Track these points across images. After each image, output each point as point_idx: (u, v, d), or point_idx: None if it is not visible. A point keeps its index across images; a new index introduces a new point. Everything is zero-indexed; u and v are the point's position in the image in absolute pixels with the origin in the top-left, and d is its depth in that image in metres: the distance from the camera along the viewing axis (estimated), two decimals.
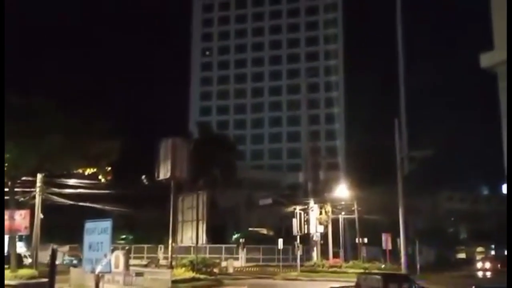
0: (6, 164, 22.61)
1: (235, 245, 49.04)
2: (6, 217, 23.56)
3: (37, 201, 27.27)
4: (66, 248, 44.95)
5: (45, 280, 16.92)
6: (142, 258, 45.10)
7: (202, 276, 23.86)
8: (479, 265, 51.22)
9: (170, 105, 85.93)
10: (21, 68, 65.48)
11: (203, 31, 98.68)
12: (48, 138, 22.34)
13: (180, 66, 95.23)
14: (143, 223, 48.46)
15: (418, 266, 36.91)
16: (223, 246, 48.63)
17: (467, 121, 74.32)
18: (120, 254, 14.09)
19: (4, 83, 21.17)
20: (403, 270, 27.91)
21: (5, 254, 24.86)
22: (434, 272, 36.97)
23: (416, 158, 27.84)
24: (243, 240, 48.01)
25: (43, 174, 26.84)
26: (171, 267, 24.08)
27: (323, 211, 40.55)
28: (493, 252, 68.02)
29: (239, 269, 39.99)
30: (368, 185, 47.33)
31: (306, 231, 38.35)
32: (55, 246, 18.75)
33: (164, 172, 25.37)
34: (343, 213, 44.01)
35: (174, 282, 21.21)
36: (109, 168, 25.46)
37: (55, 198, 29.20)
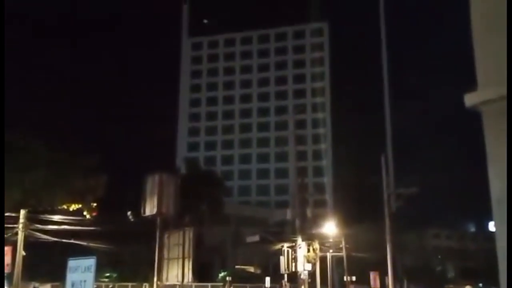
0: None
1: (221, 284, 48.20)
2: None
3: (20, 237, 26.69)
4: (48, 286, 43.78)
5: None
6: None
7: None
8: None
9: (158, 141, 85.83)
10: (5, 103, 65.06)
11: (192, 68, 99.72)
12: (32, 174, 22.12)
13: (169, 102, 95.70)
14: (128, 260, 47.53)
15: None
16: (209, 284, 47.79)
17: (453, 159, 75.07)
18: None
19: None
20: None
21: None
22: None
23: (403, 195, 27.88)
24: (230, 278, 47.23)
25: (27, 210, 26.39)
26: None
27: (311, 248, 40.17)
28: None
29: None
30: (356, 222, 47.22)
31: (293, 269, 37.85)
32: (36, 285, 18.29)
33: (150, 208, 25.03)
34: (331, 250, 43.67)
35: None
36: (95, 204, 25.16)
37: (38, 234, 28.63)
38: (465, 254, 69.20)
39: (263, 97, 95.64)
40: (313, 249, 40.65)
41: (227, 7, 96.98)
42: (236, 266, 52.92)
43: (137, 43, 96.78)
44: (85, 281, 11.41)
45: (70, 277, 11.68)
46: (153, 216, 25.05)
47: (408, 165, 75.80)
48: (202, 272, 39.86)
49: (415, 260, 63.13)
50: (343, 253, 41.58)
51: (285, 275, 36.63)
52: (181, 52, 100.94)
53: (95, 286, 11.80)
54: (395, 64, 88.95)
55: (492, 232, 6.08)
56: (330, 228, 41.03)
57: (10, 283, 29.38)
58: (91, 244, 31.93)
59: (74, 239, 30.35)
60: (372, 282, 38.41)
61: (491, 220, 6.06)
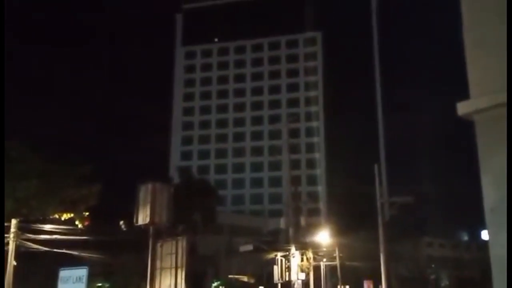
0: None
1: None
2: None
3: (11, 247, 26.41)
4: None
5: None
6: None
7: None
8: None
9: (151, 150, 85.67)
10: None
11: (185, 77, 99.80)
12: (24, 183, 21.95)
13: (162, 110, 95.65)
14: (120, 270, 47.16)
15: None
16: None
17: (447, 168, 75.33)
18: None
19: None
20: None
21: None
22: None
23: (396, 203, 27.92)
24: None
25: (18, 220, 26.15)
26: None
27: (304, 257, 40.05)
28: None
29: None
30: (349, 230, 47.17)
31: (287, 279, 37.69)
32: None
33: (143, 218, 24.87)
34: (324, 259, 43.58)
35: None
36: (87, 214, 24.97)
37: (30, 244, 28.34)
38: (459, 263, 69.22)
39: (257, 106, 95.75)
40: (307, 258, 40.53)
41: (221, 16, 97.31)
42: (230, 276, 52.64)
43: (130, 52, 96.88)
44: None
45: (62, 287, 11.58)
46: (145, 225, 24.91)
47: (401, 174, 76.04)
48: (195, 282, 39.55)
49: (409, 269, 63.07)
50: (337, 262, 41.49)
51: (279, 285, 36.44)
52: (175, 61, 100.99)
53: None
54: (388, 74, 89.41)
55: (485, 241, 6.07)
56: (323, 237, 40.96)
57: None
58: (83, 254, 31.69)
59: (65, 249, 30.10)
60: None
61: (484, 229, 6.05)
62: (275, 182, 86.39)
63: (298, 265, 38.87)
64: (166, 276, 26.16)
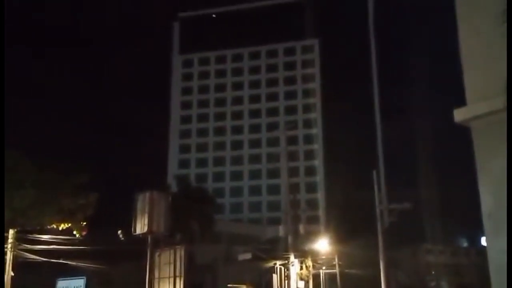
0: None
1: None
2: None
3: (8, 257, 26.25)
4: None
5: None
6: None
7: None
8: None
9: (149, 158, 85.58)
10: None
11: (183, 85, 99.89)
12: (21, 193, 21.85)
13: (159, 119, 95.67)
14: (118, 280, 46.88)
15: None
16: None
17: (446, 173, 75.33)
18: None
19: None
20: None
21: None
22: None
23: (395, 210, 27.85)
24: None
25: (15, 230, 26.00)
26: None
27: (303, 265, 39.88)
28: None
29: None
30: (349, 238, 47.02)
31: (286, 287, 37.49)
32: None
33: (140, 227, 24.77)
34: (324, 267, 43.41)
35: None
36: (84, 223, 24.84)
37: (27, 254, 28.17)
38: (459, 270, 69.08)
39: (255, 113, 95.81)
40: (306, 267, 40.37)
41: (218, 24, 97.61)
42: (228, 285, 52.30)
43: (127, 60, 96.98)
44: None
45: None
46: (143, 234, 24.80)
47: (400, 180, 75.93)
48: None
49: (409, 276, 62.87)
50: (337, 270, 41.33)
51: None
52: (172, 69, 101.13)
53: None
54: (386, 80, 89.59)
55: (485, 247, 6.03)
56: (323, 244, 40.82)
57: None
58: (80, 264, 31.50)
59: (63, 259, 29.92)
60: None
61: (484, 234, 6.01)
62: (274, 189, 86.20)
63: (297, 274, 38.70)
64: (165, 285, 26.01)
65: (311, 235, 47.96)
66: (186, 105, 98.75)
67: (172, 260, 25.45)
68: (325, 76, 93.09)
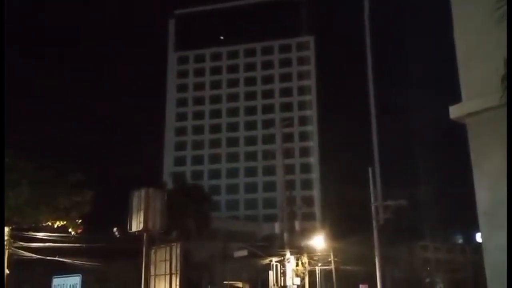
0: None
1: None
2: None
3: (4, 255, 26.15)
4: None
5: None
6: None
7: None
8: None
9: (144, 156, 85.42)
10: None
11: (178, 82, 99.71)
12: (16, 190, 21.76)
13: (155, 116, 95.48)
14: (114, 277, 46.86)
15: None
16: None
17: (441, 170, 75.57)
18: None
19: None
20: None
21: None
22: None
23: (390, 207, 27.93)
24: None
25: (11, 227, 25.91)
26: None
27: (299, 262, 39.98)
28: None
29: None
30: (344, 234, 47.11)
31: (282, 284, 37.57)
32: None
33: (136, 224, 24.69)
34: (319, 264, 43.50)
35: None
36: (80, 221, 24.75)
37: (22, 252, 28.09)
38: (454, 266, 69.40)
39: (250, 111, 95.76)
40: (302, 263, 40.48)
41: (213, 21, 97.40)
42: (224, 282, 52.40)
43: (122, 57, 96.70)
44: None
45: None
46: (139, 232, 24.73)
47: (396, 177, 76.09)
48: None
49: (404, 272, 63.09)
50: (332, 267, 41.43)
51: None
52: (167, 66, 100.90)
53: None
54: (381, 77, 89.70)
55: (480, 243, 6.06)
56: (318, 241, 40.89)
57: None
58: (76, 262, 31.43)
59: (59, 257, 29.85)
60: None
61: (479, 231, 6.04)
62: (269, 187, 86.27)
63: (293, 270, 38.81)
64: (161, 282, 25.98)
65: (306, 232, 48.03)
66: (181, 102, 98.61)
67: (168, 257, 25.40)
68: (320, 73, 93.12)
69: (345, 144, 77.35)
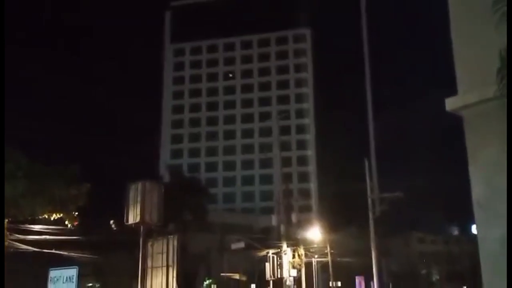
0: None
1: None
2: None
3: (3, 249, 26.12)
4: None
5: None
6: None
7: None
8: None
9: (141, 148, 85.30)
10: None
11: (174, 74, 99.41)
12: (12, 183, 21.70)
13: (151, 108, 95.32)
14: (111, 269, 46.93)
15: None
16: None
17: (437, 162, 75.80)
18: None
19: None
20: None
21: None
22: None
23: (386, 199, 28.04)
24: (215, 286, 46.92)
25: (7, 220, 25.88)
26: None
27: (296, 254, 40.11)
28: None
29: None
30: (341, 227, 47.34)
31: (279, 276, 37.72)
32: None
33: (133, 217, 24.67)
34: (316, 256, 43.68)
35: None
36: (76, 213, 24.73)
37: (19, 245, 28.08)
38: (450, 257, 69.77)
39: (247, 103, 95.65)
40: (298, 255, 40.62)
41: (210, 13, 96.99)
42: (222, 274, 52.56)
43: (119, 50, 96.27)
44: None
45: (52, 287, 11.48)
46: (136, 224, 24.73)
47: (392, 170, 76.40)
48: (187, 281, 39.47)
49: (401, 264, 63.43)
50: (329, 259, 41.60)
51: (271, 282, 36.45)
52: (164, 59, 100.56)
53: None
54: (378, 70, 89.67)
55: (475, 235, 6.08)
56: (315, 233, 41.05)
57: None
58: (73, 254, 31.44)
59: (55, 249, 29.85)
60: (357, 287, 38.47)
61: (474, 223, 6.07)
62: (266, 179, 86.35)
63: (290, 262, 38.94)
64: (157, 275, 26.02)
65: (303, 224, 48.19)
66: (178, 95, 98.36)
67: (165, 250, 25.41)
68: (317, 65, 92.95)
69: (342, 137, 77.43)
